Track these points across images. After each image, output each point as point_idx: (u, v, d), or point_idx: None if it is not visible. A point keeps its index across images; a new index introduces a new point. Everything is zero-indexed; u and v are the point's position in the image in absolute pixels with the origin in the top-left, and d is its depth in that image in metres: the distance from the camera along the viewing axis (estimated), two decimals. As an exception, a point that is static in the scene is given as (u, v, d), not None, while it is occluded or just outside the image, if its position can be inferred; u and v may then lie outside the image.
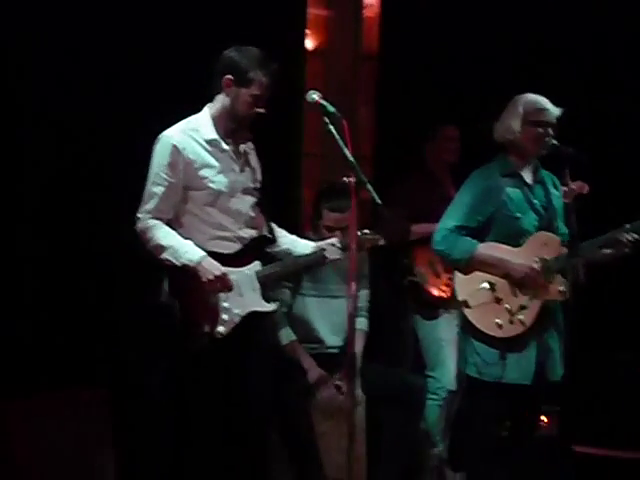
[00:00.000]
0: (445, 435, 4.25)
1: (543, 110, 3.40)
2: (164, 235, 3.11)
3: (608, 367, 4.45)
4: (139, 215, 3.14)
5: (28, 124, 3.73)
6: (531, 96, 3.44)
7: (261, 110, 3.15)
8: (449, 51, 4.70)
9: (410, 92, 4.70)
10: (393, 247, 4.15)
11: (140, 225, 3.14)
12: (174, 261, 3.10)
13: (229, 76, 3.12)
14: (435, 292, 4.19)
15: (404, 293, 4.29)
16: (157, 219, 3.13)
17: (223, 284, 3.12)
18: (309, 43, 4.89)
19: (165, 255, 3.10)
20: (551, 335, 3.44)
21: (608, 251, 3.39)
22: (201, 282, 3.10)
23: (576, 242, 3.36)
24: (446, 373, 4.17)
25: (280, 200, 3.73)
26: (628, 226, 3.37)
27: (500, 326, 3.35)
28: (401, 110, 4.70)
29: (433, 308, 4.20)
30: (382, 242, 3.39)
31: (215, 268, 3.10)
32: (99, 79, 3.80)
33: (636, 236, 3.35)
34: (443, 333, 4.17)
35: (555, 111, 3.40)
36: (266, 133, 3.33)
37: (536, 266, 3.35)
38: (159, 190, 3.12)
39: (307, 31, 4.80)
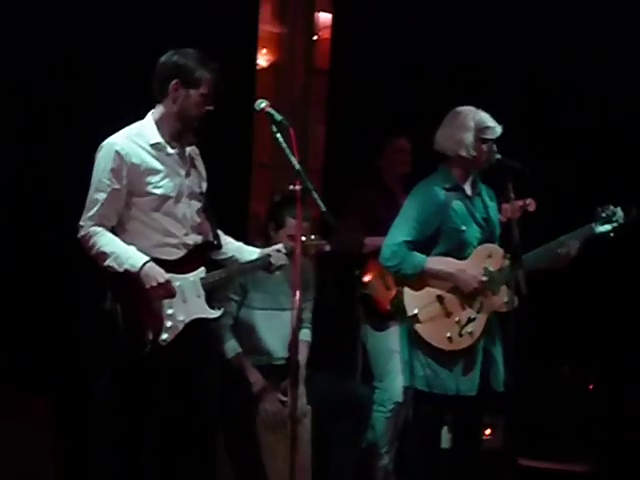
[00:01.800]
0: (392, 447, 4.17)
1: (490, 127, 3.40)
2: (107, 242, 3.03)
3: (551, 380, 4.43)
4: (81, 223, 3.05)
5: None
6: (477, 112, 3.42)
7: (210, 108, 3.09)
8: (398, 65, 4.73)
9: (360, 106, 4.70)
10: (345, 258, 4.12)
11: (82, 232, 3.05)
12: (117, 267, 3.01)
13: (176, 80, 3.06)
14: (385, 304, 4.12)
15: (355, 304, 4.23)
16: (100, 226, 3.04)
17: (166, 291, 3.04)
18: (261, 60, 4.84)
19: (108, 262, 3.02)
20: (494, 345, 3.42)
21: (549, 262, 3.37)
22: (144, 288, 3.00)
23: (519, 255, 3.32)
24: (394, 384, 4.10)
25: (228, 209, 3.63)
26: (563, 238, 3.38)
27: (450, 339, 3.32)
28: (352, 124, 4.69)
29: (383, 319, 4.14)
30: (327, 248, 3.34)
31: (158, 274, 3.02)
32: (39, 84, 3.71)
33: (575, 244, 3.35)
34: (392, 344, 4.10)
35: (498, 128, 3.41)
36: (217, 145, 3.27)
37: (483, 278, 3.32)
38: (101, 196, 3.03)
39: (260, 48, 4.76)
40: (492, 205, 3.49)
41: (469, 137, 3.35)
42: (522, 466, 4.14)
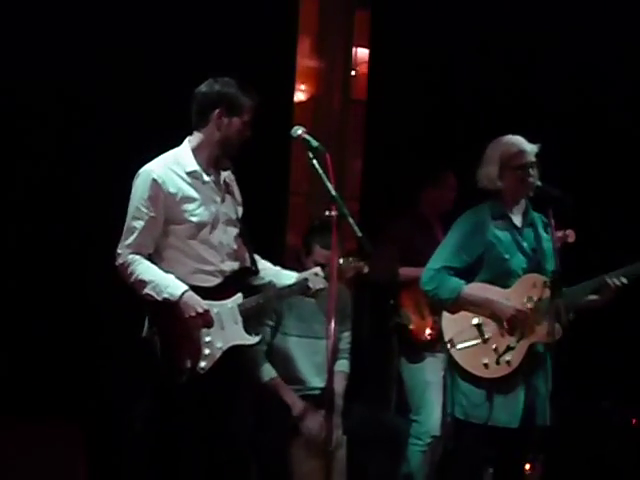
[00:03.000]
0: (429, 481, 4.03)
1: (520, 152, 3.29)
2: (145, 270, 2.98)
3: (591, 415, 4.26)
4: (119, 250, 3.01)
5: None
6: (506, 139, 3.33)
7: (249, 133, 3.08)
8: (436, 98, 4.68)
9: (397, 137, 4.67)
10: (380, 287, 4.04)
11: (120, 260, 3.00)
12: (155, 296, 2.96)
13: (220, 108, 3.04)
14: (420, 335, 4.02)
15: (390, 335, 4.13)
16: (137, 254, 2.99)
17: (205, 320, 2.98)
18: (299, 93, 4.83)
19: (147, 290, 2.97)
20: (539, 378, 3.29)
21: (594, 297, 3.27)
22: (182, 317, 2.95)
23: (558, 284, 3.22)
24: (430, 417, 3.99)
25: (265, 237, 3.58)
26: (615, 272, 3.26)
27: (487, 366, 3.22)
28: (389, 155, 4.66)
29: (418, 351, 4.05)
30: (366, 270, 3.25)
31: (197, 304, 2.97)
32: (79, 112, 3.71)
33: (624, 281, 3.23)
34: (428, 376, 4.00)
35: (533, 149, 3.30)
36: (254, 175, 3.23)
37: (524, 307, 3.24)
38: (139, 224, 2.99)
39: (298, 82, 4.75)
40: (546, 237, 3.37)
41: (495, 170, 3.28)
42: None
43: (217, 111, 3.03)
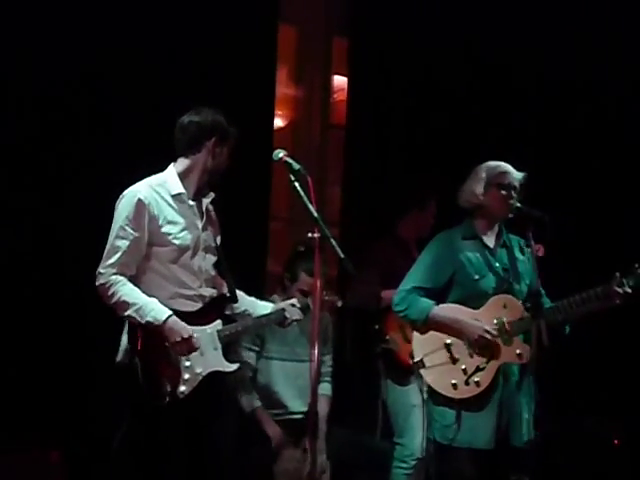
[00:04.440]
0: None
1: (505, 173, 3.32)
2: (129, 292, 2.91)
3: (575, 433, 4.21)
4: (101, 270, 2.93)
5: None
6: (493, 162, 3.37)
7: (229, 163, 3.08)
8: (414, 122, 4.68)
9: (376, 161, 4.65)
10: (363, 311, 3.99)
11: (102, 280, 2.92)
12: (138, 319, 2.89)
13: (215, 137, 3.03)
14: (406, 358, 3.95)
15: (375, 359, 4.07)
16: (121, 274, 2.92)
17: (189, 346, 2.92)
18: (278, 120, 4.80)
19: (129, 312, 2.89)
20: (514, 398, 3.23)
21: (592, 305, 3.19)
22: (164, 342, 2.89)
23: (539, 305, 3.19)
24: (415, 440, 3.91)
25: (245, 262, 3.53)
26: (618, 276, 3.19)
27: (455, 387, 3.19)
28: (368, 179, 4.65)
29: (404, 374, 3.97)
30: (339, 304, 3.28)
31: (182, 329, 2.91)
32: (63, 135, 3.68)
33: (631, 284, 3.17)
34: (413, 399, 3.94)
35: (517, 175, 3.32)
36: (234, 201, 3.19)
37: (491, 328, 3.20)
38: (123, 244, 2.93)
39: (277, 109, 4.73)
40: (522, 257, 3.35)
41: (480, 185, 3.30)
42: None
43: (213, 140, 3.02)
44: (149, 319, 2.87)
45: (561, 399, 4.16)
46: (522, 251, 3.36)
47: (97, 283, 2.93)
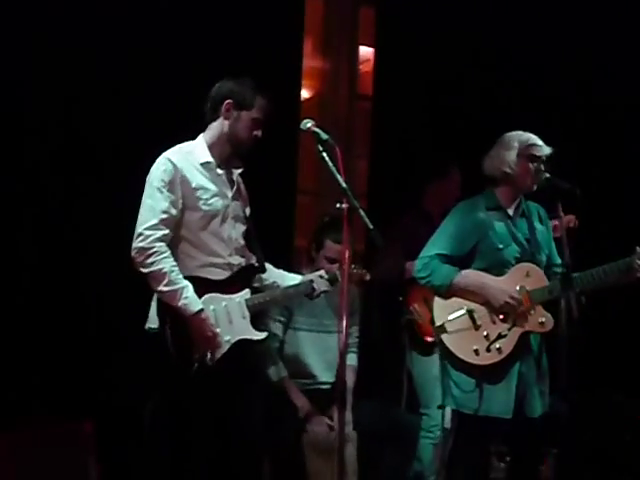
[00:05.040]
0: (440, 475, 3.94)
1: (536, 145, 3.29)
2: (169, 268, 2.87)
3: (603, 409, 4.17)
4: (144, 232, 2.88)
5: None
6: (524, 133, 3.33)
7: (258, 133, 3.04)
8: (440, 93, 4.63)
9: (404, 132, 4.59)
10: (388, 284, 3.98)
11: (144, 243, 2.87)
12: (169, 299, 2.87)
13: (229, 100, 3.03)
14: (430, 329, 3.94)
15: (399, 331, 4.06)
16: (164, 242, 2.88)
17: (212, 345, 2.91)
18: (305, 92, 4.77)
19: (162, 288, 2.87)
20: (530, 369, 3.22)
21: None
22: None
23: (569, 275, 3.15)
24: (440, 410, 3.88)
25: (273, 234, 3.52)
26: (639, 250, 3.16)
27: (477, 353, 3.17)
28: (395, 150, 4.61)
29: (428, 344, 3.96)
30: (367, 277, 3.26)
31: (209, 328, 2.90)
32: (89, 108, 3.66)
33: None
34: (437, 370, 3.90)
35: (546, 148, 3.29)
36: (261, 174, 3.17)
37: (517, 295, 3.17)
38: (161, 205, 2.91)
39: (304, 82, 4.69)
40: (540, 227, 3.35)
41: (512, 155, 3.26)
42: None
43: (226, 103, 3.01)
44: (180, 305, 2.86)
45: (589, 373, 4.13)
46: (541, 221, 3.34)
47: (138, 245, 2.88)
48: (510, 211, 3.30)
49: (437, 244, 3.27)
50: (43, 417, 3.34)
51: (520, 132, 3.31)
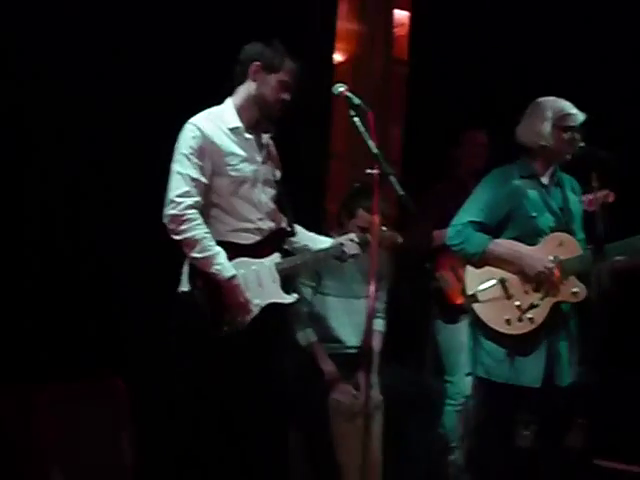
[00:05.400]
0: (462, 442, 3.96)
1: (571, 115, 3.23)
2: (203, 235, 2.89)
3: (631, 381, 4.13)
4: (176, 198, 2.88)
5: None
6: (557, 100, 3.26)
7: (287, 97, 3.00)
8: (477, 58, 4.55)
9: (439, 98, 4.54)
10: (416, 251, 3.95)
11: (177, 211, 2.87)
12: (201, 265, 2.89)
13: (257, 63, 3.00)
14: (456, 297, 3.95)
15: (427, 297, 4.06)
16: (197, 209, 2.89)
17: (244, 311, 2.92)
18: (338, 55, 4.71)
19: (194, 254, 2.89)
20: (561, 340, 3.20)
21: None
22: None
23: (602, 249, 3.12)
24: (464, 378, 3.92)
25: (304, 199, 3.50)
26: None
27: (509, 322, 3.15)
28: (430, 116, 4.55)
29: (455, 312, 3.96)
30: (400, 240, 3.20)
31: (241, 294, 2.92)
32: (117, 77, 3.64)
33: None
34: (464, 337, 3.87)
35: (580, 115, 3.23)
36: (294, 136, 3.14)
37: (551, 264, 3.13)
38: (191, 172, 2.90)
39: (338, 45, 4.63)
40: (573, 197, 3.31)
41: (547, 126, 3.20)
42: (599, 467, 3.87)
43: (254, 65, 2.98)
44: (213, 270, 2.87)
45: (619, 347, 4.09)
46: (574, 191, 3.29)
47: (170, 212, 2.88)
48: (544, 180, 3.25)
49: (470, 212, 3.23)
50: (80, 371, 3.38)
51: (552, 99, 3.24)
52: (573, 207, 3.27)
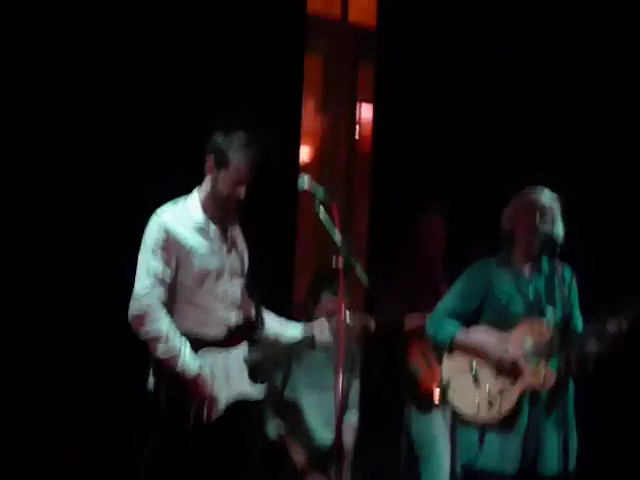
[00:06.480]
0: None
1: (530, 199, 3.24)
2: (165, 333, 2.85)
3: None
4: (138, 292, 2.87)
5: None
6: (529, 190, 3.28)
7: (240, 192, 2.96)
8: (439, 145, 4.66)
9: (405, 184, 4.59)
10: (387, 338, 3.93)
11: (137, 312, 2.86)
12: (166, 365, 2.85)
13: (211, 156, 2.96)
14: (429, 384, 3.89)
15: (399, 386, 4.00)
16: (162, 303, 2.87)
17: (210, 404, 2.87)
18: (304, 148, 4.80)
19: (159, 355, 2.85)
20: (547, 424, 3.16)
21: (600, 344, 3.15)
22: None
23: (569, 334, 3.14)
24: (440, 468, 3.84)
25: (271, 284, 3.49)
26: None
27: (479, 407, 3.16)
28: (395, 199, 4.58)
29: (427, 401, 3.90)
30: (373, 325, 3.18)
31: (206, 390, 2.88)
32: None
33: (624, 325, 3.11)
34: (437, 427, 3.85)
35: (546, 198, 3.23)
36: (261, 222, 3.14)
37: (514, 352, 3.16)
38: (156, 267, 2.89)
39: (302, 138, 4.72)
40: (558, 283, 3.24)
41: (508, 213, 3.27)
42: None
43: (208, 159, 2.96)
44: (179, 371, 2.84)
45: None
46: (563, 278, 3.26)
47: (132, 313, 2.87)
48: (524, 268, 3.28)
49: (445, 301, 3.33)
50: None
51: (527, 190, 3.27)
52: (557, 293, 3.22)
